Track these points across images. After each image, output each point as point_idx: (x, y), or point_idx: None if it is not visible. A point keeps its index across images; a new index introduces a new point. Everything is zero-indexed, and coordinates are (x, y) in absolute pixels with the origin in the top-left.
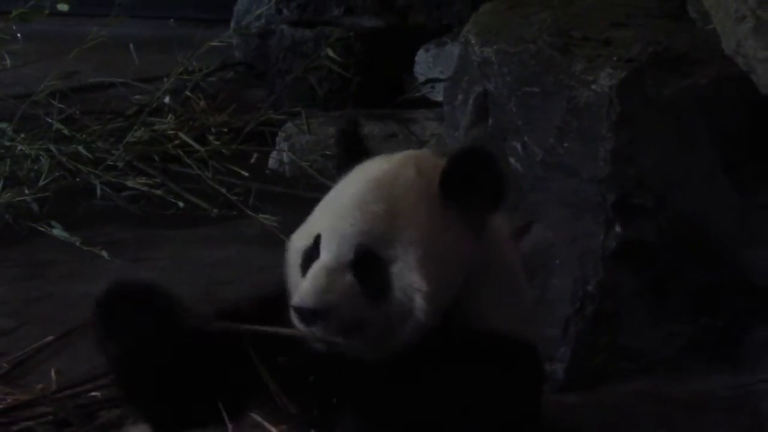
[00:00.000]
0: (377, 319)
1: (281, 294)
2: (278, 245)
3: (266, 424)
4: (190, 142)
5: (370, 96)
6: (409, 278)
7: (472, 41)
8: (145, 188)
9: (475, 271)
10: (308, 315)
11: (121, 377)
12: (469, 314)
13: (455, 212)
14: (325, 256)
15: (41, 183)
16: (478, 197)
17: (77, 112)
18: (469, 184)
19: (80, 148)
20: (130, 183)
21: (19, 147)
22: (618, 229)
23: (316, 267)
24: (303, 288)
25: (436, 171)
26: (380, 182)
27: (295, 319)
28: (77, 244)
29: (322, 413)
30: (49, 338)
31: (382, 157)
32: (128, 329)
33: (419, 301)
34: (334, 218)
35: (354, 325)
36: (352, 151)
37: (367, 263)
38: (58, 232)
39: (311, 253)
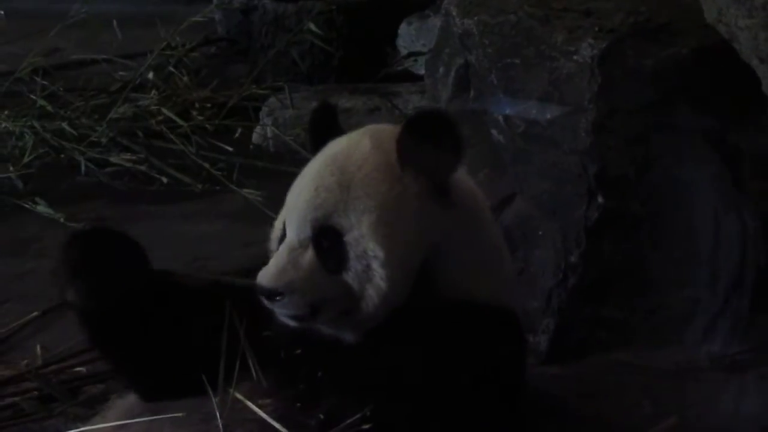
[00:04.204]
0: (339, 293)
1: None
2: (262, 220)
3: (246, 402)
4: (174, 117)
5: (353, 70)
6: (363, 245)
7: (453, 13)
8: (128, 164)
9: (447, 239)
10: (268, 294)
11: (93, 325)
12: (444, 283)
13: (414, 177)
14: (288, 236)
15: (25, 160)
16: (435, 157)
17: (60, 89)
18: (425, 145)
19: (64, 125)
20: (113, 159)
21: (3, 124)
22: (600, 199)
23: (280, 248)
24: (265, 268)
25: (394, 140)
26: (335, 157)
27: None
28: (61, 220)
29: (308, 388)
30: (34, 314)
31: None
32: (100, 273)
33: (377, 268)
34: (293, 198)
35: (317, 302)
36: (324, 133)
37: (324, 237)
38: (42, 208)
39: (282, 238)
